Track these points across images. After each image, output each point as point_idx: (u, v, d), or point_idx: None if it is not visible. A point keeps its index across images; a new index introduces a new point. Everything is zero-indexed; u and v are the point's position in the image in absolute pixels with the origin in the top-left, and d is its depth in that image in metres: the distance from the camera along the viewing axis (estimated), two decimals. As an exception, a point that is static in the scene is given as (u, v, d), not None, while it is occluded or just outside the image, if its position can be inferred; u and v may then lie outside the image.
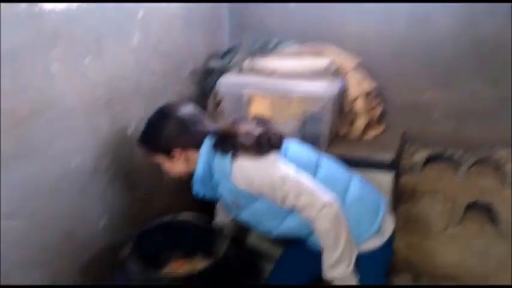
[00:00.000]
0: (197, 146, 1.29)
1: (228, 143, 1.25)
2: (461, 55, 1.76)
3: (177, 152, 1.30)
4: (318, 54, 1.76)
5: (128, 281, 1.27)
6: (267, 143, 1.24)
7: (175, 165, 1.33)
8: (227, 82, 1.71)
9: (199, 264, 1.42)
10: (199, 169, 1.28)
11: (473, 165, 1.91)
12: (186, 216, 1.45)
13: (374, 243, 1.33)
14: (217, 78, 1.75)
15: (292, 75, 1.72)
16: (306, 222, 1.25)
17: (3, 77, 1.04)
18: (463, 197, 1.92)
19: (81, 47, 1.26)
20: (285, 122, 1.68)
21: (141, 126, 1.56)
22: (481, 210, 1.95)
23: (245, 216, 1.34)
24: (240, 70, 1.84)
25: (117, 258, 1.37)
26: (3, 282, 1.12)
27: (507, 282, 1.86)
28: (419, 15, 1.77)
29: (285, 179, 1.20)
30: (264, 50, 1.78)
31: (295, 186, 1.20)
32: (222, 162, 1.25)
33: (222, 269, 1.25)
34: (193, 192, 1.35)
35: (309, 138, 1.64)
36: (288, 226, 1.32)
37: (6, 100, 1.05)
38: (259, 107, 1.69)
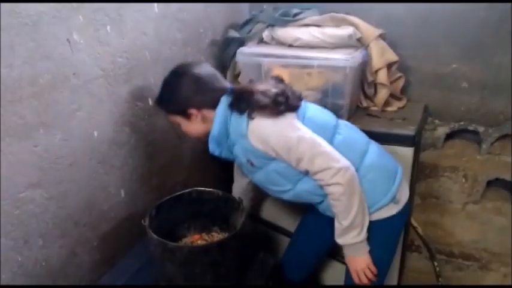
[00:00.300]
0: (213, 105, 1.26)
1: (244, 101, 1.23)
2: (489, 25, 1.68)
3: (193, 112, 1.27)
4: (339, 24, 1.71)
5: (147, 251, 1.29)
6: (284, 102, 1.22)
7: (192, 126, 1.31)
8: (246, 52, 1.68)
9: (216, 237, 1.44)
10: (215, 128, 1.26)
11: (496, 140, 1.87)
12: (205, 189, 1.44)
13: (388, 211, 1.32)
14: (237, 49, 1.72)
15: (313, 46, 1.68)
16: (319, 187, 1.25)
17: (25, 45, 1.03)
18: (484, 173, 1.89)
19: (102, 16, 1.24)
20: (305, 93, 1.65)
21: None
22: (502, 187, 1.92)
23: (259, 177, 1.33)
24: (260, 40, 1.81)
25: (137, 228, 1.39)
26: (25, 251, 1.14)
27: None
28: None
29: (301, 140, 1.19)
30: (284, 19, 1.73)
31: (311, 149, 1.19)
32: (238, 121, 1.23)
33: (240, 241, 1.26)
34: (210, 151, 1.34)
35: (330, 109, 1.60)
36: (302, 189, 1.31)
37: (28, 68, 1.05)
38: (279, 79, 1.67)
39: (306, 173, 1.25)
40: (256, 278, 1.35)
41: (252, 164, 1.30)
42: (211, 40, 1.81)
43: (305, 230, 1.62)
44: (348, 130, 1.37)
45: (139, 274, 1.36)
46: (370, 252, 1.29)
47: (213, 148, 1.32)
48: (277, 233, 1.93)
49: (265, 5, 1.97)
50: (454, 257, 2.06)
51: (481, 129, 1.87)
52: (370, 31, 1.69)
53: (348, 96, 1.61)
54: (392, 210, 1.32)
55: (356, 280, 1.32)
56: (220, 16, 1.85)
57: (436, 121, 1.93)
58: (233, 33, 1.81)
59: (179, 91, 1.27)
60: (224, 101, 1.26)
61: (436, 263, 2.00)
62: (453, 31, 1.75)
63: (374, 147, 1.38)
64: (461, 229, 2.01)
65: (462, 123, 1.89)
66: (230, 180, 1.96)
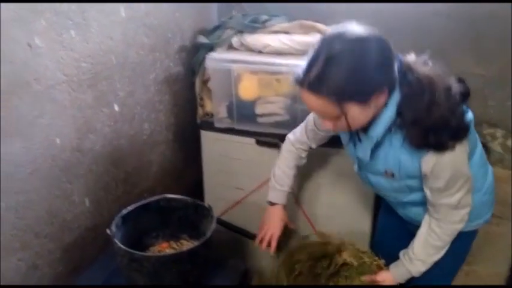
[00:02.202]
0: (391, 89, 1.00)
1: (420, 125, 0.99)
2: (452, 33, 1.74)
3: (379, 94, 0.97)
4: (308, 31, 1.73)
5: (113, 262, 1.25)
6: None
7: (364, 114, 0.99)
8: (215, 58, 1.67)
9: (185, 245, 1.40)
10: (379, 131, 1.03)
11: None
12: (174, 196, 1.41)
13: (476, 225, 1.32)
14: (206, 54, 1.70)
15: (282, 52, 1.69)
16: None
17: (-18, 49, 0.99)
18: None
19: (66, 20, 1.20)
20: (274, 99, 1.66)
21: (130, 101, 1.52)
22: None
23: (384, 183, 1.20)
24: (229, 46, 1.80)
25: (102, 238, 1.34)
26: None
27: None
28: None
29: (467, 180, 1.11)
30: (254, 26, 1.73)
31: (468, 187, 1.12)
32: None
33: (210, 249, 1.24)
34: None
35: (299, 116, 1.62)
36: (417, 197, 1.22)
37: (-14, 74, 1.00)
38: (248, 84, 1.66)
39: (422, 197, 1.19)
40: (226, 283, 1.34)
41: (389, 175, 1.14)
42: (180, 45, 1.79)
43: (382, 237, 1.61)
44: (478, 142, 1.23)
45: (105, 285, 1.32)
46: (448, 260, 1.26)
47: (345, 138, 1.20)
48: (248, 239, 1.92)
49: (234, 11, 1.98)
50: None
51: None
52: (337, 38, 1.71)
53: (317, 102, 1.62)
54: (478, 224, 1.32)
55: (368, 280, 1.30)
56: (189, 21, 1.83)
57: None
58: (202, 39, 1.79)
59: (373, 70, 0.94)
60: (397, 96, 1.00)
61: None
62: (416, 38, 1.79)
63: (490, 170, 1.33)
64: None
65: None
66: (200, 187, 1.94)
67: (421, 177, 1.12)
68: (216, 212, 1.91)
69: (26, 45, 1.09)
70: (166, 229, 1.41)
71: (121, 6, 1.41)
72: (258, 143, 1.72)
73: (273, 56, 1.67)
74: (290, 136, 1.44)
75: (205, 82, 1.81)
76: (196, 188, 1.95)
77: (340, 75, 0.93)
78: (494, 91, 1.76)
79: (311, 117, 1.34)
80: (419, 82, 0.99)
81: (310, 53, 0.99)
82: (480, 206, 1.26)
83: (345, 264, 1.36)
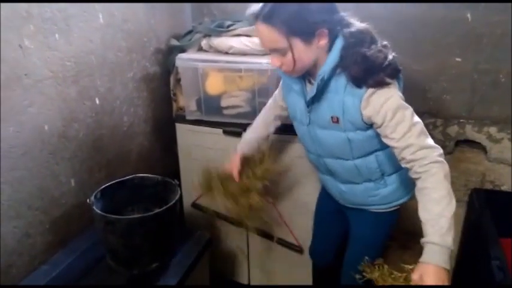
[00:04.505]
0: (335, 34, 1.18)
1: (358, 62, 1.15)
2: (391, 35, 1.94)
3: (322, 34, 1.14)
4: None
5: (96, 233, 1.47)
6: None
7: (308, 53, 1.16)
8: (184, 58, 1.90)
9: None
10: (326, 69, 1.18)
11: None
12: (146, 175, 1.64)
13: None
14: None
15: (245, 53, 1.92)
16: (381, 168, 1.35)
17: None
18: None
19: (51, 25, 1.43)
20: (237, 93, 1.90)
21: (110, 96, 1.74)
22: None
23: (326, 137, 1.31)
24: (199, 48, 2.04)
25: (87, 215, 1.54)
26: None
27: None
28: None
29: (413, 113, 1.17)
30: (218, 30, 1.96)
31: (420, 124, 1.17)
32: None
33: (173, 215, 1.47)
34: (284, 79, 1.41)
35: (258, 107, 1.85)
36: (360, 164, 1.33)
37: (-16, 69, 1.23)
38: (214, 81, 1.90)
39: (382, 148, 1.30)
40: (190, 248, 1.57)
41: (335, 121, 1.25)
42: (156, 48, 2.03)
43: (320, 221, 1.77)
44: None
45: (89, 252, 1.55)
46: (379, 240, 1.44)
47: (290, 80, 1.31)
48: (221, 220, 2.15)
49: (205, 17, 2.22)
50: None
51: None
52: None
53: (273, 95, 1.86)
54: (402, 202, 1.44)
55: None
56: (164, 27, 2.07)
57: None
58: (174, 42, 2.03)
59: (313, 11, 1.11)
60: (340, 42, 1.18)
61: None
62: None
63: None
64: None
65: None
66: (178, 174, 2.16)
67: (363, 129, 1.24)
68: (192, 198, 2.16)
69: (18, 46, 1.33)
70: (141, 204, 1.63)
71: (99, 13, 1.64)
72: (225, 132, 1.96)
73: (237, 55, 1.91)
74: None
75: (178, 80, 2.05)
76: (173, 175, 2.17)
77: (289, 10, 1.10)
78: (431, 85, 1.99)
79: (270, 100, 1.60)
80: (360, 33, 1.18)
81: None
82: (400, 185, 1.40)
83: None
